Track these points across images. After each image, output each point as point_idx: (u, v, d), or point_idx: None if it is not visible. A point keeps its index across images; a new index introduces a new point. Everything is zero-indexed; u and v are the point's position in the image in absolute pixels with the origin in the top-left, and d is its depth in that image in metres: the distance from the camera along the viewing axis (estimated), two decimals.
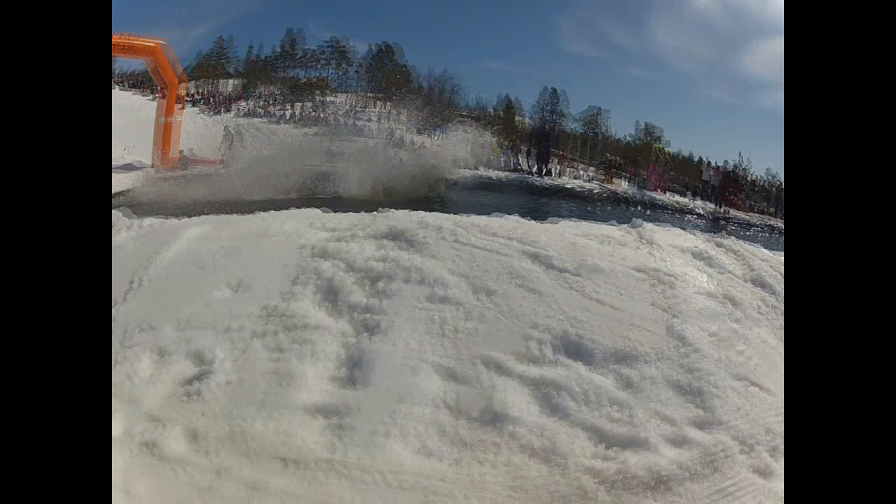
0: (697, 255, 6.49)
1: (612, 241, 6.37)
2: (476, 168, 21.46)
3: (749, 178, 44.46)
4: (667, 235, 6.97)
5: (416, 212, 6.57)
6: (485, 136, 23.31)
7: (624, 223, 7.15)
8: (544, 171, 18.97)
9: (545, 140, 19.65)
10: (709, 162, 20.07)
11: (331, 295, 5.17)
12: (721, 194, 20.11)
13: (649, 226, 7.15)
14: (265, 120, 37.39)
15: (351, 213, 6.85)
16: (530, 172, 22.88)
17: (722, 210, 18.48)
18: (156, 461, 3.67)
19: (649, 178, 26.41)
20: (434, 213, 6.50)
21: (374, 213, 6.65)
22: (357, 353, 4.53)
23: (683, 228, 7.92)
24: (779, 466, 4.23)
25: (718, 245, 7.00)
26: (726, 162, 20.23)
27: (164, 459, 3.68)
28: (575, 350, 4.65)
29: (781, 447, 4.38)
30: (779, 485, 4.07)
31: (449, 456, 3.85)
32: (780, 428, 4.49)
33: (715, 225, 16.13)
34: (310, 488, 3.58)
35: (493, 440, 3.95)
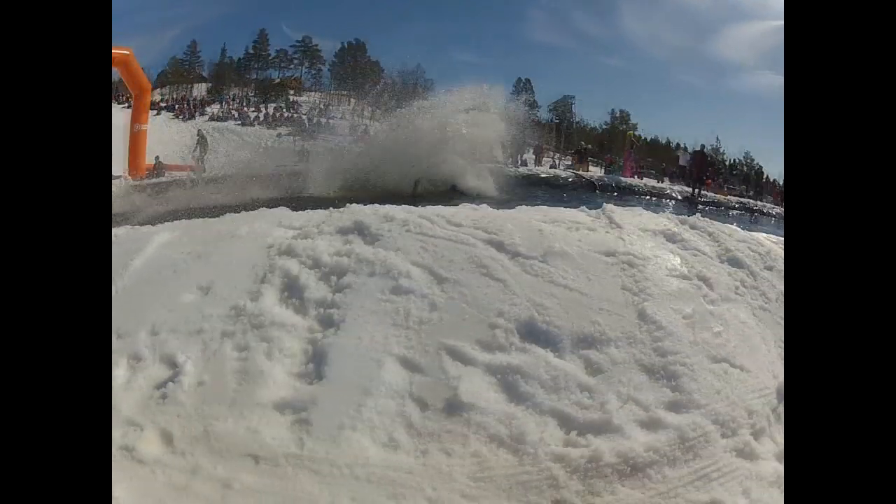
0: (669, 238, 6.39)
1: (581, 226, 6.29)
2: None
3: (724, 161, 44.99)
4: (637, 218, 6.88)
5: (380, 205, 6.54)
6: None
7: (595, 209, 7.08)
8: (519, 161, 18.21)
9: (518, 130, 19.00)
10: (680, 145, 20.08)
11: (296, 292, 5.16)
12: (696, 177, 20.02)
13: (619, 210, 7.05)
14: (238, 122, 37.36)
15: (318, 210, 6.81)
16: (504, 163, 22.15)
17: (697, 193, 18.40)
18: (134, 464, 3.67)
19: (625, 163, 26.50)
20: (399, 206, 6.46)
21: (340, 208, 6.59)
22: (322, 348, 4.51)
23: (657, 212, 7.87)
24: (763, 449, 4.23)
25: (692, 226, 6.88)
26: (703, 146, 20.22)
27: (142, 462, 3.69)
28: (542, 337, 4.59)
29: (766, 429, 4.39)
30: (764, 467, 4.06)
31: (416, 448, 3.83)
32: (764, 409, 4.49)
33: (691, 207, 16.04)
34: (279, 484, 3.58)
35: (460, 430, 3.92)
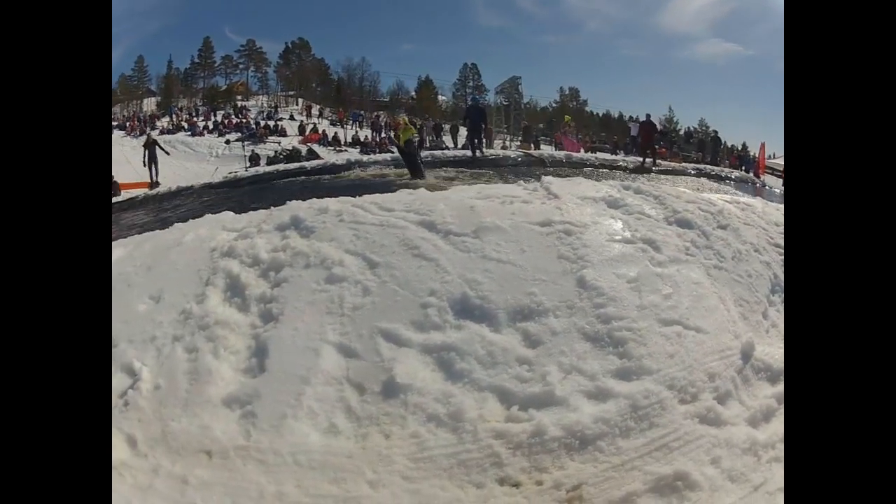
0: (611, 204, 6.35)
1: (515, 199, 6.25)
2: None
3: (678, 129, 45.21)
4: (577, 188, 6.86)
5: (316, 199, 6.55)
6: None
7: (535, 182, 7.04)
8: (477, 149, 17.28)
9: (476, 115, 18.06)
10: (632, 118, 19.88)
11: (238, 290, 5.22)
12: (643, 145, 19.85)
13: (557, 181, 7.03)
14: (188, 133, 37.01)
15: (260, 211, 6.87)
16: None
17: (648, 161, 18.22)
18: None
19: (564, 143, 26.48)
20: (334, 199, 6.49)
21: (279, 207, 6.60)
22: (263, 342, 4.55)
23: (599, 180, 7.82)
24: (730, 413, 4.15)
25: (636, 191, 6.84)
26: (648, 115, 19.97)
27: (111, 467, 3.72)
28: (476, 312, 4.57)
29: (732, 392, 4.33)
30: (733, 433, 3.97)
31: (355, 432, 3.85)
32: (727, 371, 4.43)
33: (640, 175, 15.86)
34: (230, 476, 3.64)
35: (398, 412, 3.91)
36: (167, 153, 22.75)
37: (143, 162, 20.66)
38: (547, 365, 4.18)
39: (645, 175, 16.38)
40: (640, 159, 19.09)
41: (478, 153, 16.48)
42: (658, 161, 18.67)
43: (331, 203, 6.27)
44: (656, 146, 23.59)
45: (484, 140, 17.51)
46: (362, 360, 4.27)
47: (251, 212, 6.96)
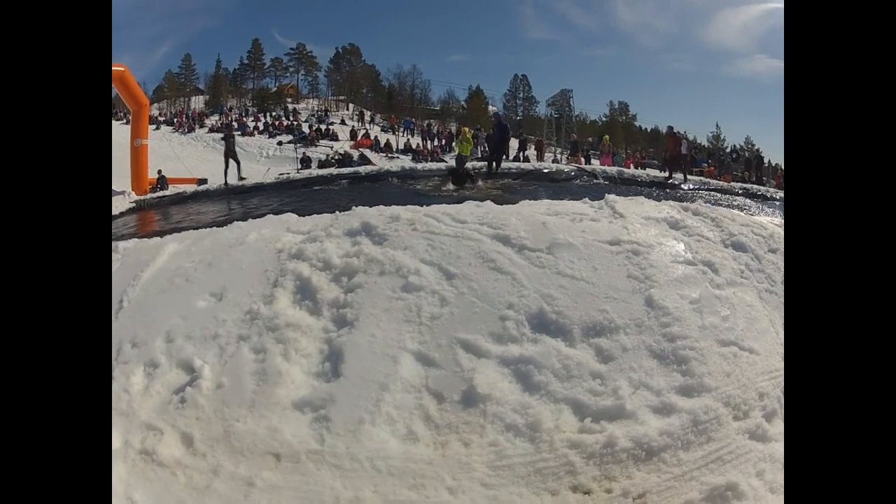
0: (672, 225, 6.45)
1: (584, 217, 6.35)
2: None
3: (723, 147, 44.78)
4: (639, 207, 6.94)
5: (386, 207, 6.62)
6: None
7: (597, 200, 7.10)
8: (494, 166, 16.87)
9: (500, 131, 17.46)
10: (676, 132, 19.55)
11: (308, 293, 5.28)
12: (669, 159, 19.35)
13: (621, 199, 7.11)
14: (238, 132, 37.12)
15: (324, 215, 6.91)
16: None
17: (670, 176, 17.81)
18: (155, 467, 3.80)
19: (602, 161, 26.30)
20: (404, 207, 6.56)
21: (346, 211, 6.67)
22: (337, 346, 4.62)
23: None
24: (775, 431, 4.24)
25: (694, 213, 6.91)
26: (671, 127, 19.57)
27: (162, 465, 3.81)
28: (552, 327, 4.66)
29: (777, 411, 4.41)
30: (776, 449, 4.07)
31: (434, 439, 3.93)
32: (775, 391, 4.52)
33: (663, 192, 15.42)
34: (302, 480, 3.69)
35: (478, 421, 4.00)
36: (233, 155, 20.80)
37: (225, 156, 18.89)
38: (618, 380, 4.31)
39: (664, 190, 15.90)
40: (693, 177, 18.75)
41: (493, 168, 16.26)
42: (675, 176, 18.21)
43: (402, 211, 6.36)
44: (704, 165, 23.34)
45: (503, 158, 17.25)
46: (441, 370, 4.36)
47: (315, 215, 7.05)
